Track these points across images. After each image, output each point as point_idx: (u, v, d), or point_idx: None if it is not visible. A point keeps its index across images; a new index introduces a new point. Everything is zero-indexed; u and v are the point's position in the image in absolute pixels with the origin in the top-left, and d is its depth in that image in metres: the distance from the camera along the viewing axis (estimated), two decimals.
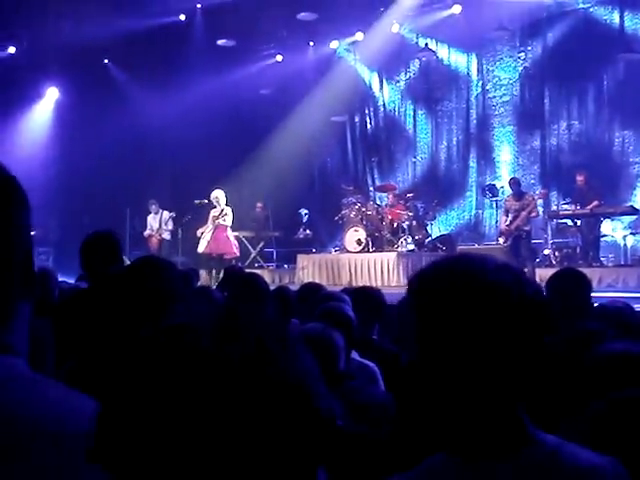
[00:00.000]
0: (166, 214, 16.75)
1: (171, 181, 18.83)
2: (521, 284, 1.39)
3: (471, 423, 1.41)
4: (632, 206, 14.57)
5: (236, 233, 18.18)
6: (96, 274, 4.07)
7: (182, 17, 19.57)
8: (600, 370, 2.32)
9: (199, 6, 19.28)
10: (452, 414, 1.42)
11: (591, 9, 17.03)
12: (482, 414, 1.40)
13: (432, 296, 1.39)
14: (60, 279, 7.81)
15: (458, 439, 1.43)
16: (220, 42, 19.05)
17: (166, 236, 16.77)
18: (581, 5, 16.98)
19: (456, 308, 1.35)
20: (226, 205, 14.89)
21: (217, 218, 14.77)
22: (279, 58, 20.60)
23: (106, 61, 20.09)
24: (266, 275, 16.92)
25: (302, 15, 18.05)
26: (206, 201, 15.30)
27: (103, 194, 18.19)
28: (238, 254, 15.51)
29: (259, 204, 18.75)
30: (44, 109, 20.08)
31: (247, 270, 12.26)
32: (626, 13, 16.51)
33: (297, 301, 5.21)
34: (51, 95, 20.05)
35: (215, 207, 14.94)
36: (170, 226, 16.77)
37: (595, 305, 4.22)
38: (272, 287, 8.71)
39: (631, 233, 15.18)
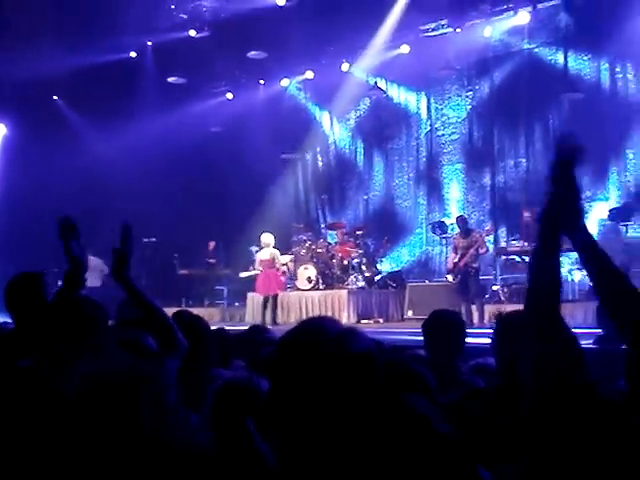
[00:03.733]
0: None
1: (121, 219, 18.63)
2: (347, 344, 1.56)
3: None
4: None
5: (185, 271, 18.11)
6: (19, 315, 4.06)
7: (133, 54, 19.53)
8: None
9: (150, 43, 19.27)
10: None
11: (536, 49, 17.38)
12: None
13: (281, 360, 1.59)
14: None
15: None
16: (171, 79, 19.02)
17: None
18: (526, 46, 17.31)
19: (297, 369, 1.54)
20: (274, 247, 15.24)
21: (270, 263, 15.00)
22: (230, 96, 20.65)
23: (55, 97, 19.94)
24: (217, 313, 16.82)
25: (252, 54, 18.14)
26: (154, 239, 15.20)
27: (50, 232, 17.89)
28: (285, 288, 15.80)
29: (211, 243, 18.61)
30: None
31: (196, 310, 12.19)
32: (570, 54, 16.87)
33: (244, 342, 5.27)
34: None
35: (262, 249, 15.21)
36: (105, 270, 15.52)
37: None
38: (224, 325, 8.71)
39: (578, 268, 15.36)
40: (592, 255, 2.03)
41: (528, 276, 2.01)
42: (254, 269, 15.68)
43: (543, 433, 1.80)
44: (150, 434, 1.24)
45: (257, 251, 15.49)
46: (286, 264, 15.92)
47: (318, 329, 1.58)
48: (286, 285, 15.94)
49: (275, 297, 15.15)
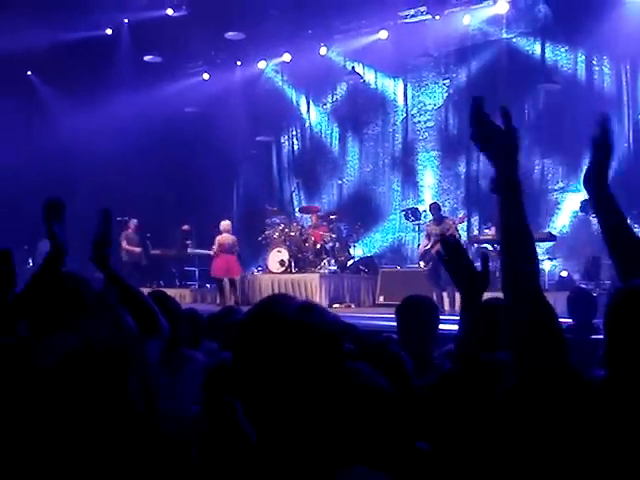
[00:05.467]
0: None
1: (93, 197, 18.50)
2: (318, 321, 1.56)
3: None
4: (550, 232, 14.90)
5: (157, 251, 18.02)
6: None
7: (109, 31, 19.32)
8: None
9: (126, 21, 19.08)
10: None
11: (514, 39, 17.40)
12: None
13: (244, 336, 1.58)
14: None
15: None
16: (147, 58, 18.83)
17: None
18: (504, 35, 17.33)
19: (262, 344, 1.53)
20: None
21: (229, 247, 15.15)
22: (206, 76, 20.50)
23: (29, 73, 19.72)
24: (188, 294, 16.76)
25: (230, 34, 18.00)
26: (127, 218, 15.25)
27: (22, 210, 17.73)
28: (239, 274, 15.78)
29: (186, 226, 18.53)
30: None
31: (168, 290, 12.14)
32: (547, 45, 16.94)
33: (216, 324, 5.27)
34: None
35: (222, 234, 15.25)
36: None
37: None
38: (195, 306, 8.69)
39: (548, 259, 15.49)
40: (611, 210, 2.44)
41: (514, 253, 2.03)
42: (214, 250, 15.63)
43: (524, 414, 1.83)
44: (140, 410, 1.21)
45: None
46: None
47: (281, 303, 1.59)
48: (238, 271, 15.90)
49: (233, 280, 15.26)
